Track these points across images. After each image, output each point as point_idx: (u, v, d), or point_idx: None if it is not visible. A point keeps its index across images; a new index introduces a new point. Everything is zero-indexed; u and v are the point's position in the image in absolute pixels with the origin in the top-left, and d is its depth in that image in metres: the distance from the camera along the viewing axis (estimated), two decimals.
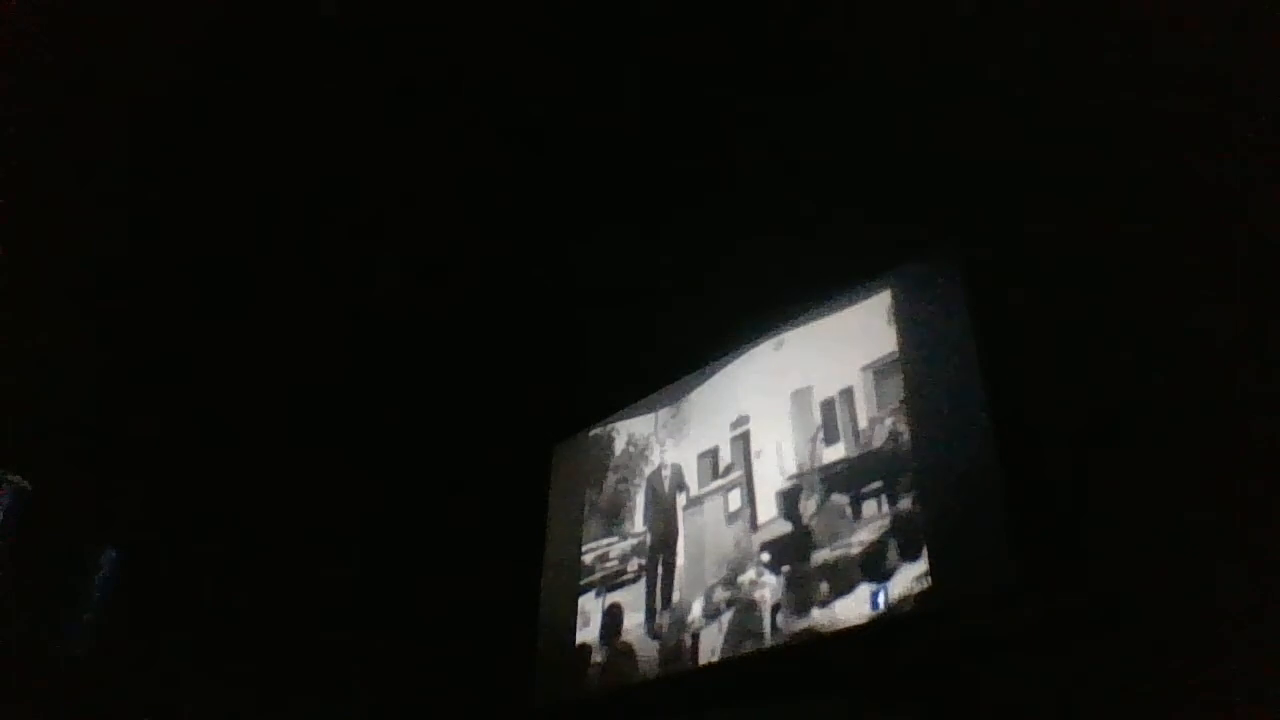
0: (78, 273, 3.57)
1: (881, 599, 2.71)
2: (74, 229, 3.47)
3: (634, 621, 3.48)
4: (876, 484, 2.86)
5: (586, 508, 3.92)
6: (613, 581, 3.65)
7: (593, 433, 4.06)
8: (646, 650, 3.36)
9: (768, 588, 3.05)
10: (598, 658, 3.54)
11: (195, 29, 2.98)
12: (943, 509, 2.65)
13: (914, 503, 2.73)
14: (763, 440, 3.32)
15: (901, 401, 2.88)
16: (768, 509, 3.19)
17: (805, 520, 3.04)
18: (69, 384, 3.68)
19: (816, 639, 2.84)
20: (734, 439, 3.43)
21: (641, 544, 3.63)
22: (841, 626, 2.78)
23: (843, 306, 3.22)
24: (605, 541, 3.77)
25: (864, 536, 2.83)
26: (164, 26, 2.97)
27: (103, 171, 3.36)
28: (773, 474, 3.22)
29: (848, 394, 3.07)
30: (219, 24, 2.97)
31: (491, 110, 3.27)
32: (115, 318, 3.69)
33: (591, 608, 3.67)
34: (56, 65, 3.03)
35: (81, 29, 2.95)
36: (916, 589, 2.63)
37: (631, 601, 3.54)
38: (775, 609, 2.99)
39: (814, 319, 3.31)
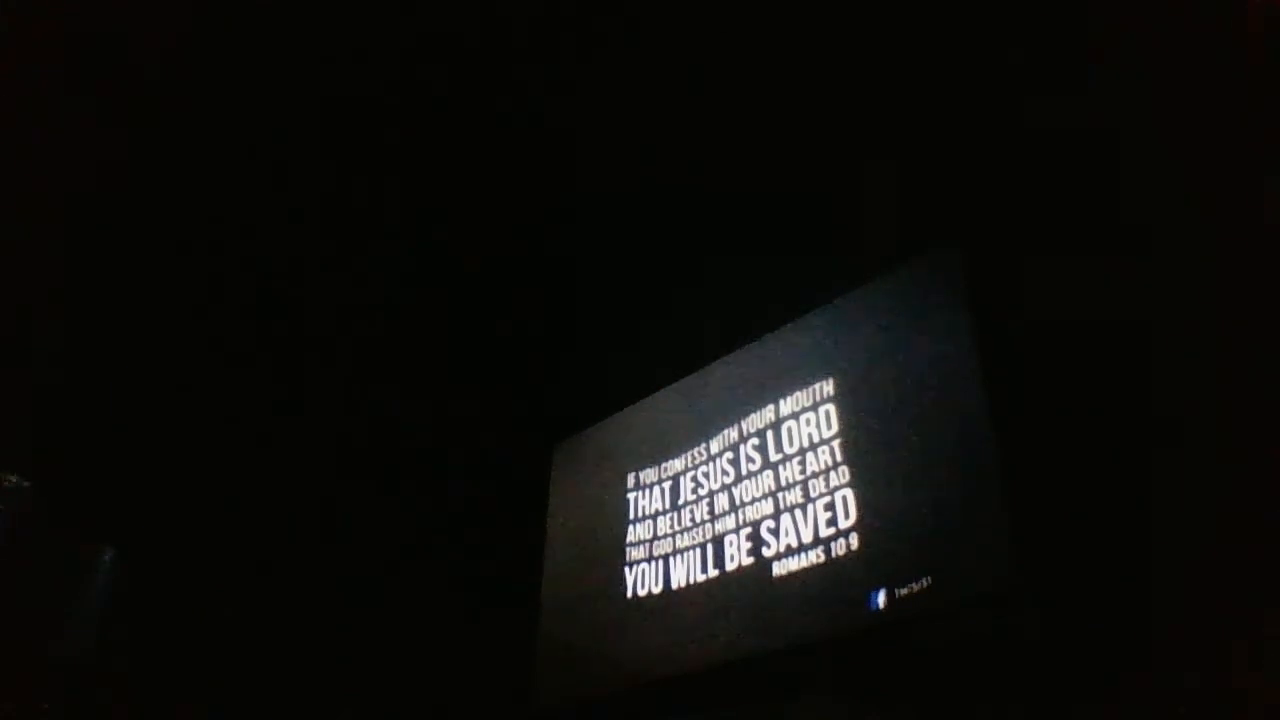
0: (77, 271, 3.57)
1: (881, 599, 2.70)
2: (72, 227, 3.47)
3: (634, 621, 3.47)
4: (877, 483, 2.86)
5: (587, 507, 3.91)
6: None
7: (593, 433, 4.06)
8: (648, 649, 3.35)
9: (768, 587, 3.05)
10: (599, 656, 3.53)
11: None
12: (943, 509, 2.65)
13: (914, 502, 2.73)
14: (762, 439, 3.31)
15: (901, 401, 2.88)
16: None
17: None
18: (68, 384, 3.68)
19: (816, 639, 2.84)
20: (734, 439, 3.42)
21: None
22: (840, 627, 2.78)
23: (843, 306, 3.22)
24: (606, 541, 3.75)
25: (864, 535, 2.83)
26: None
27: (101, 169, 3.36)
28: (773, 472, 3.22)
29: (847, 394, 3.07)
30: None
31: (490, 107, 3.27)
32: (115, 317, 3.69)
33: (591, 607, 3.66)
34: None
35: None
36: (916, 589, 2.63)
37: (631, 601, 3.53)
38: (776, 608, 2.99)
39: (814, 319, 3.31)
